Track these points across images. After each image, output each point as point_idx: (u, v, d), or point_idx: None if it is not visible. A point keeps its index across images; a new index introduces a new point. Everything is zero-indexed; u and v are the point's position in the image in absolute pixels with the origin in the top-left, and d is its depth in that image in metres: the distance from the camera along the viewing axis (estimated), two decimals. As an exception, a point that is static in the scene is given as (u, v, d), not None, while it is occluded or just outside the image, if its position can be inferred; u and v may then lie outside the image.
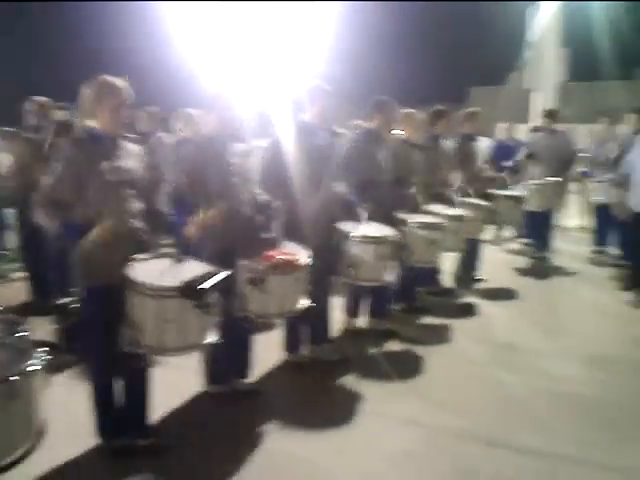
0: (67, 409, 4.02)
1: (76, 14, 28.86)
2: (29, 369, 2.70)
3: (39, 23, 30.36)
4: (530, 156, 9.18)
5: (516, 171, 9.39)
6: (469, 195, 6.95)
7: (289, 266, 3.99)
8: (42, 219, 3.45)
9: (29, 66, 28.34)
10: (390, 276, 5.05)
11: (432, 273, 7.00)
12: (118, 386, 3.68)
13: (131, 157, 3.66)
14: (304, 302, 4.19)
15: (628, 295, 7.15)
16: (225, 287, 3.61)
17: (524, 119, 15.98)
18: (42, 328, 4.79)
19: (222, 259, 3.74)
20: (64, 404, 4.08)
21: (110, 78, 3.52)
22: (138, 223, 3.64)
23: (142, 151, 3.82)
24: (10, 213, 7.49)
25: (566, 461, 3.74)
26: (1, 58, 25.16)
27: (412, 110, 6.28)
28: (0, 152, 5.75)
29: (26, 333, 3.30)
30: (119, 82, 3.53)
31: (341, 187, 5.13)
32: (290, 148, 4.64)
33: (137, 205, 3.64)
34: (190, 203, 4.08)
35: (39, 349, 2.86)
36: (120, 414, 3.69)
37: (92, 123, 3.53)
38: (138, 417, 3.73)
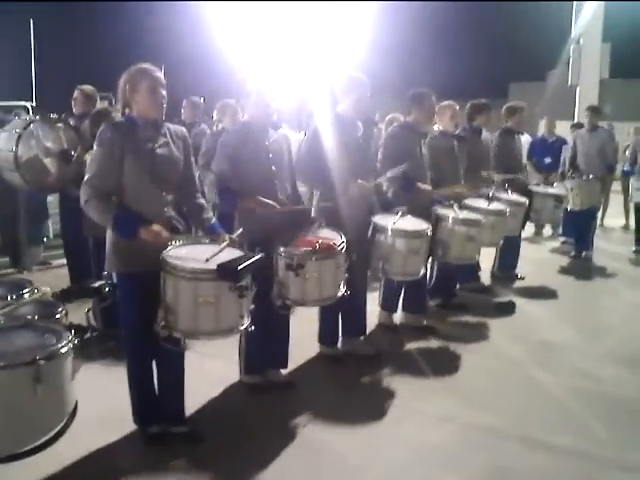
0: (104, 393, 4.05)
1: (122, 9, 29.69)
2: (59, 351, 2.73)
3: (91, 19, 31.27)
4: (574, 157, 9.03)
5: (563, 175, 9.22)
6: (508, 190, 6.84)
7: (329, 251, 3.97)
8: (94, 215, 3.42)
9: (84, 55, 29.01)
10: (423, 271, 4.98)
11: (472, 270, 6.90)
12: (155, 372, 3.69)
13: (174, 140, 3.64)
14: (342, 289, 4.16)
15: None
16: (261, 272, 3.61)
17: (566, 116, 15.75)
18: (80, 312, 4.83)
19: (261, 247, 3.74)
20: (101, 388, 4.13)
21: (142, 64, 3.53)
22: (171, 211, 3.63)
23: (187, 134, 3.81)
24: (51, 202, 7.62)
25: (603, 463, 3.65)
26: (57, 50, 25.85)
27: (449, 102, 6.21)
28: (46, 140, 5.76)
29: (59, 316, 3.36)
30: (151, 67, 3.54)
31: (378, 180, 5.10)
32: (327, 139, 4.60)
33: (170, 195, 3.62)
34: (235, 191, 4.09)
35: (71, 332, 2.89)
36: (156, 400, 3.70)
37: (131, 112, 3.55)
38: (173, 404, 3.73)
